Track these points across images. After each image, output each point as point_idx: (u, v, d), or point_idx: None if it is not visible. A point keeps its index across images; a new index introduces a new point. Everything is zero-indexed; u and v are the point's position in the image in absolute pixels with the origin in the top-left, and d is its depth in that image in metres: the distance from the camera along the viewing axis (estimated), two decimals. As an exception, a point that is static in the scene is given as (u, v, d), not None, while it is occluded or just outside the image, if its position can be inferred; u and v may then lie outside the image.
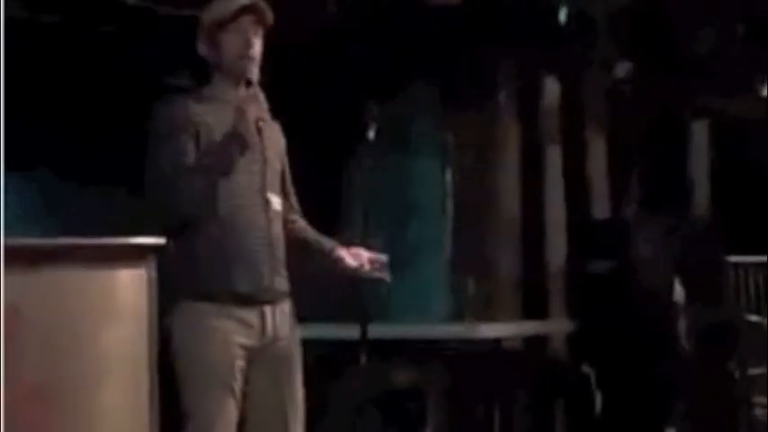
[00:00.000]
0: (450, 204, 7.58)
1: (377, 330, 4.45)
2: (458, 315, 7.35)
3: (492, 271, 7.48)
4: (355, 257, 3.71)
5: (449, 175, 7.55)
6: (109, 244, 3.52)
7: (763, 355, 7.11)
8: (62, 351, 3.40)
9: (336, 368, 3.83)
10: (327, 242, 3.77)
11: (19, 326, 3.34)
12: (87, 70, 6.07)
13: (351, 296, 4.16)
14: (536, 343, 7.30)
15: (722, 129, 8.79)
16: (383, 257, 3.76)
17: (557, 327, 7.35)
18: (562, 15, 6.95)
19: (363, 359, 4.29)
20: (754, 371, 7.11)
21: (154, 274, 3.50)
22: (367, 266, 3.71)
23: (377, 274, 3.74)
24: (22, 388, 3.33)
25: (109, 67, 6.07)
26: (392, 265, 3.83)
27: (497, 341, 6.74)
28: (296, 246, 3.71)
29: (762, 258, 7.71)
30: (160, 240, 3.43)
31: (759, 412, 7.12)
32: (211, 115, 3.50)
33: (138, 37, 6.02)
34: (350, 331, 4.24)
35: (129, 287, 3.51)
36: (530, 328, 7.22)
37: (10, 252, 3.29)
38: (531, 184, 7.61)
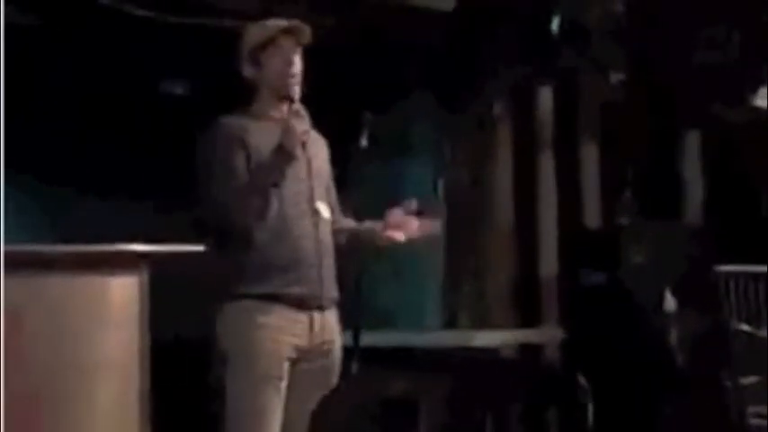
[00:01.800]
0: (444, 212, 7.59)
1: (370, 338, 4.46)
2: (451, 323, 7.36)
3: (486, 279, 7.49)
4: (404, 228, 3.73)
5: (442, 184, 7.57)
6: (102, 251, 3.54)
7: (755, 364, 7.12)
8: (56, 355, 3.43)
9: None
10: (373, 226, 3.81)
11: (15, 330, 3.36)
12: (86, 77, 6.09)
13: (344, 303, 4.18)
14: (529, 351, 7.32)
15: (715, 138, 8.80)
16: (428, 221, 3.77)
17: (550, 335, 7.36)
18: (554, 24, 6.97)
19: (356, 367, 4.32)
20: (746, 380, 7.11)
21: (146, 280, 3.53)
22: (416, 234, 3.74)
23: (432, 232, 3.75)
24: (16, 392, 3.34)
25: (107, 74, 6.10)
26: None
27: (491, 349, 6.75)
28: (346, 241, 3.83)
29: (754, 268, 7.72)
30: (152, 247, 3.47)
31: (754, 422, 7.12)
32: (259, 132, 3.63)
33: (136, 44, 6.04)
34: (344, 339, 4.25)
35: (122, 293, 3.53)
36: (523, 336, 7.23)
37: (6, 258, 3.31)
38: (525, 193, 7.62)
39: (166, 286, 3.69)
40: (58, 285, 3.46)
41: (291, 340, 3.57)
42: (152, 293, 3.62)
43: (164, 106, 6.22)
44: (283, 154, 3.54)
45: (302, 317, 3.59)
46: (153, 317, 3.61)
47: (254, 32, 3.76)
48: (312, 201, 3.66)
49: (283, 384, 3.57)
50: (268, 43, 3.70)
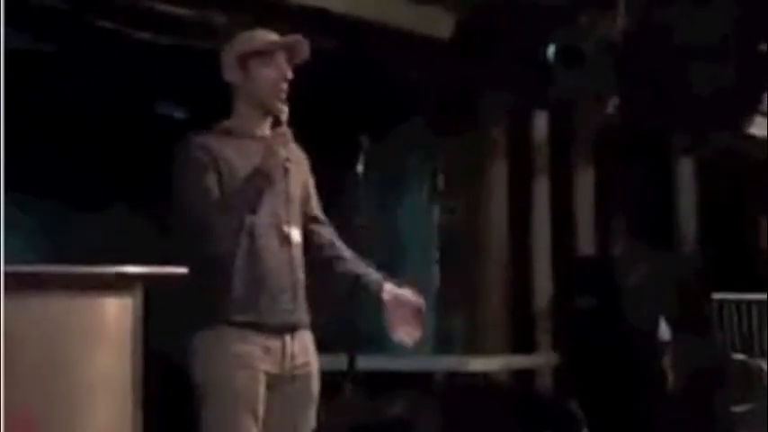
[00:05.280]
0: (437, 237, 7.60)
1: (365, 362, 4.44)
2: (446, 348, 7.35)
3: (479, 304, 7.49)
4: (400, 316, 3.66)
5: (437, 209, 7.57)
6: (96, 272, 3.53)
7: (747, 392, 7.13)
8: (49, 377, 3.41)
9: (323, 399, 3.84)
10: (372, 276, 3.73)
11: (9, 351, 3.35)
12: (81, 97, 6.09)
13: (339, 326, 4.16)
14: (523, 376, 7.31)
15: (711, 165, 8.83)
16: (422, 309, 3.72)
17: (544, 361, 7.36)
18: (550, 51, 6.99)
19: (350, 390, 4.30)
20: (739, 408, 7.12)
21: (140, 301, 3.52)
22: (405, 336, 3.69)
23: (406, 341, 3.72)
24: (10, 414, 3.33)
25: (103, 94, 6.10)
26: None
27: (485, 374, 6.74)
28: (338, 279, 3.75)
29: (748, 296, 7.74)
30: (147, 269, 3.46)
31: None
32: (235, 151, 3.53)
33: (132, 66, 6.05)
34: (338, 362, 4.24)
35: (116, 314, 3.52)
36: (517, 361, 7.22)
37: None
38: (519, 219, 7.63)
39: (160, 307, 3.67)
40: (52, 306, 3.45)
41: (266, 367, 3.52)
42: (146, 313, 3.61)
43: (160, 127, 6.21)
44: (262, 178, 3.45)
45: (275, 343, 3.54)
46: (146, 337, 3.59)
47: (247, 40, 3.63)
48: (287, 226, 3.57)
49: (260, 412, 3.52)
50: (263, 53, 3.59)
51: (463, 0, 7.00)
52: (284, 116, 3.55)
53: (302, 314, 3.63)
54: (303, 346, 3.63)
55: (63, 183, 6.01)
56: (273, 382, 3.55)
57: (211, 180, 3.48)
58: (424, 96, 7.37)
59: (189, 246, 3.52)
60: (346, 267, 3.76)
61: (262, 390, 3.52)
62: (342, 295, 3.88)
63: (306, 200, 3.75)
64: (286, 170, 3.53)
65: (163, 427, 4.19)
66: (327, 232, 3.79)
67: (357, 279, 3.75)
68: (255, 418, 3.50)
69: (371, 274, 3.74)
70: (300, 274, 3.62)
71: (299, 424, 3.63)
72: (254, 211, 3.48)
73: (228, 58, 3.62)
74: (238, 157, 3.51)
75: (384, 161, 6.63)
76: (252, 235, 3.50)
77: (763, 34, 7.60)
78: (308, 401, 3.65)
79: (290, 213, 3.60)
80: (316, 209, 3.79)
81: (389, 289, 3.68)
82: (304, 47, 3.63)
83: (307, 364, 3.63)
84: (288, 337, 3.57)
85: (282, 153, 3.49)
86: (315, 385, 3.67)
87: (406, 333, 3.66)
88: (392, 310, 3.66)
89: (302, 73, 3.68)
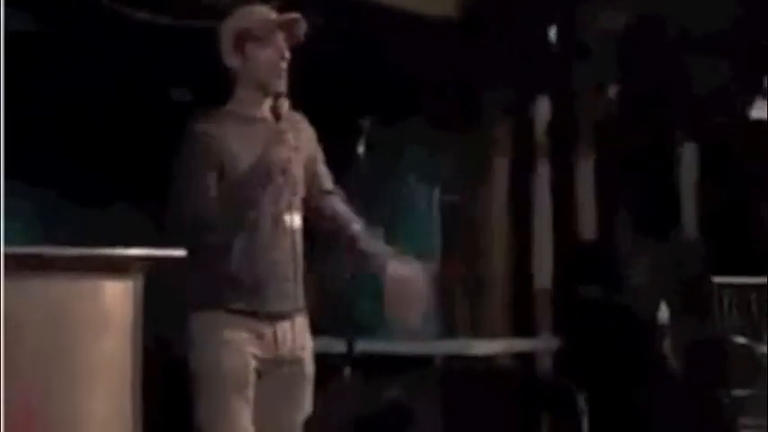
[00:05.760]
0: (439, 224, 7.60)
1: (365, 345, 4.46)
2: (448, 332, 7.37)
3: (481, 290, 7.51)
4: (400, 299, 3.59)
5: (438, 196, 7.58)
6: (96, 255, 3.53)
7: (748, 376, 7.13)
8: (49, 360, 3.42)
9: (324, 383, 3.84)
10: (378, 257, 3.63)
11: (8, 335, 3.36)
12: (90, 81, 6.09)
13: (339, 310, 4.17)
14: (524, 361, 7.33)
15: (711, 152, 8.82)
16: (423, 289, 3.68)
17: (545, 345, 7.38)
18: (552, 34, 6.98)
19: (349, 373, 4.32)
20: (739, 392, 7.12)
21: (141, 285, 3.52)
22: (403, 321, 3.67)
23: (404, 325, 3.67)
24: (8, 397, 3.34)
25: (112, 78, 6.10)
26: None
27: (486, 358, 6.76)
28: (346, 253, 3.71)
29: (750, 279, 7.73)
30: (148, 252, 3.46)
31: (745, 433, 7.13)
32: (237, 137, 3.49)
33: (138, 50, 6.04)
34: (337, 345, 4.25)
35: (117, 298, 3.53)
36: (518, 345, 7.24)
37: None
38: (521, 205, 7.64)
39: (161, 290, 3.68)
40: (53, 289, 3.46)
41: (256, 351, 3.51)
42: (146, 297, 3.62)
43: (165, 110, 6.21)
44: (266, 171, 3.41)
45: (268, 329, 3.52)
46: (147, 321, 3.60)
47: (244, 19, 3.56)
48: (289, 213, 3.54)
49: (251, 396, 3.52)
50: (260, 33, 3.52)
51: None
52: (283, 107, 3.47)
53: (300, 299, 3.62)
54: (297, 331, 3.61)
55: (63, 168, 6.02)
56: (265, 367, 3.54)
57: (212, 176, 3.44)
58: (425, 85, 7.36)
59: (185, 236, 3.49)
60: (355, 246, 3.70)
61: (252, 375, 3.51)
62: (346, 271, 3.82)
63: (312, 176, 3.70)
64: (290, 158, 3.51)
65: (162, 413, 4.21)
66: (338, 204, 3.74)
67: (363, 258, 3.69)
68: (246, 401, 3.50)
69: (378, 253, 3.67)
70: (301, 260, 3.61)
71: (292, 409, 3.62)
72: (255, 206, 3.45)
73: (225, 41, 3.56)
74: (241, 143, 3.47)
75: (385, 148, 6.65)
76: (255, 224, 3.49)
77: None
78: (303, 386, 3.63)
79: (293, 200, 3.58)
80: (326, 182, 3.74)
81: (392, 272, 3.62)
82: (301, 25, 3.58)
83: (302, 348, 3.62)
84: (281, 323, 3.55)
85: (291, 142, 3.44)
86: (309, 370, 3.66)
87: (404, 318, 3.63)
88: (391, 292, 3.61)
89: (302, 52, 3.63)
